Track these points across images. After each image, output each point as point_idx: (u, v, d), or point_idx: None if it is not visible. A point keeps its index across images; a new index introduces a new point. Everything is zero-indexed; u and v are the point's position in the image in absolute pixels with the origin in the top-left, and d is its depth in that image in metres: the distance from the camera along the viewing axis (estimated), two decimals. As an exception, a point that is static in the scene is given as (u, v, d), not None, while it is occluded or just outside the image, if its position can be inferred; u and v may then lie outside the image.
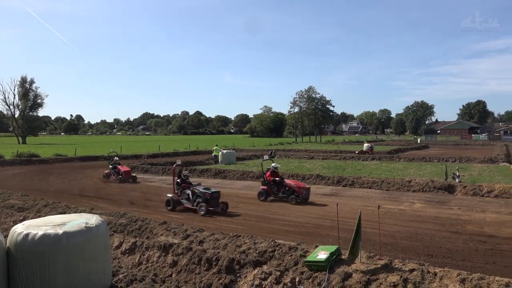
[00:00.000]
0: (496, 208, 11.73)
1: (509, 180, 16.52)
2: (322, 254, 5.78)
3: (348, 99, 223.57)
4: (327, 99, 76.88)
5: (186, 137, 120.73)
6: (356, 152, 35.65)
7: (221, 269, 6.23)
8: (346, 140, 73.95)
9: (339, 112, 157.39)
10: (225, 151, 28.59)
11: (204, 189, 11.98)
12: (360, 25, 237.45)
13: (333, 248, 5.99)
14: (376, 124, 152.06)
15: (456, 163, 25.98)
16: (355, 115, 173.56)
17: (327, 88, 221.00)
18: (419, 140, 70.75)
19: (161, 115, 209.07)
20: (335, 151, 39.55)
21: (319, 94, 77.60)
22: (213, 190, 11.87)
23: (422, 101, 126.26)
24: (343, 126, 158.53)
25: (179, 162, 14.51)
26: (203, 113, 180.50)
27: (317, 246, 6.40)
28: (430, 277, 5.24)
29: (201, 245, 7.00)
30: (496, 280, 4.88)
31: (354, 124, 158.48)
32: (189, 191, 12.24)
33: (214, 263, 6.37)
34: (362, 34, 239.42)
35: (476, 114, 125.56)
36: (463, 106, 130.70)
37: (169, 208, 12.21)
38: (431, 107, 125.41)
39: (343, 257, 5.95)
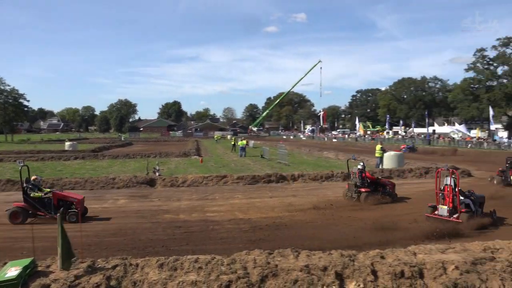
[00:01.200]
0: (188, 196, 13.66)
1: (199, 171, 19.69)
2: (12, 271, 5.02)
3: (47, 94, 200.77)
4: (20, 92, 66.37)
5: None
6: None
7: None
8: (45, 139, 66.36)
9: (36, 108, 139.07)
10: None
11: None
12: (55, 13, 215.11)
13: (27, 261, 5.32)
14: (79, 121, 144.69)
15: (156, 158, 28.30)
16: (55, 112, 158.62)
17: (21, 81, 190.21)
18: (123, 137, 72.61)
19: None
20: (31, 151, 34.77)
21: (9, 86, 65.95)
22: None
23: (126, 99, 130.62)
24: (41, 123, 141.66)
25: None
26: None
27: (6, 263, 5.47)
28: (133, 269, 5.48)
29: None
30: (188, 259, 5.68)
31: (54, 121, 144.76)
32: None
33: None
34: (59, 24, 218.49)
35: (173, 113, 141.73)
36: (162, 105, 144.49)
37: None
38: (135, 105, 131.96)
39: (40, 268, 5.36)
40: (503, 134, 56.22)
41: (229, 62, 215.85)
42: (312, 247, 6.85)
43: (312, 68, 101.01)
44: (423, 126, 69.42)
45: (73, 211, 9.89)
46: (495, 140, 47.17)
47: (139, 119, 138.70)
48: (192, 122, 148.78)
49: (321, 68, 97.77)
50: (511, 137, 51.18)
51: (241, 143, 32.66)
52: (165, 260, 5.64)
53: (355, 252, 6.05)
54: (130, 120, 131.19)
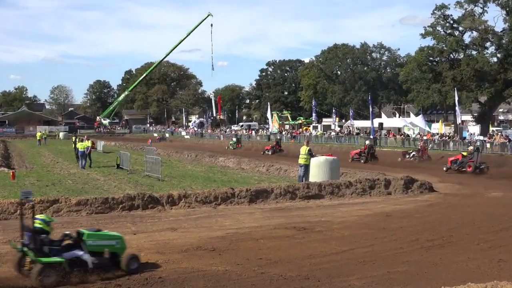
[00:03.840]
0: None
1: (8, 193, 18.78)
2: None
3: None
4: None
5: None
6: None
7: None
8: None
9: None
10: None
11: None
12: None
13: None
14: None
15: None
16: None
17: None
18: None
19: None
20: None
21: None
22: None
23: None
24: None
25: None
26: None
27: None
28: None
29: None
30: None
31: None
32: None
33: None
34: None
35: None
36: None
37: None
38: None
39: None
40: (474, 130, 60.57)
41: (57, 10, 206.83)
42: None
43: (198, 24, 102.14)
44: (366, 118, 74.58)
45: None
46: (464, 138, 51.44)
47: None
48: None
49: (211, 25, 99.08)
50: (485, 134, 53.67)
51: (82, 144, 31.23)
52: None
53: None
54: None
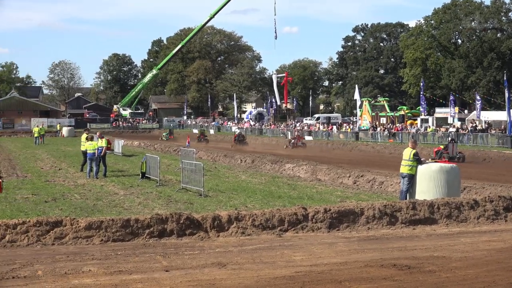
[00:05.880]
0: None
1: None
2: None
3: None
4: None
5: None
6: None
7: None
8: None
9: None
10: None
11: None
12: None
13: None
14: None
15: None
16: None
17: None
18: None
19: None
20: None
21: None
22: None
23: None
24: None
25: None
26: None
27: None
28: None
29: None
30: None
31: None
32: None
33: None
34: None
35: None
36: None
37: None
38: None
39: None
40: None
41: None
42: None
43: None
44: (500, 108, 72.52)
45: None
46: None
47: None
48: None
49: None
50: None
51: (92, 144, 31.81)
52: None
53: None
54: None
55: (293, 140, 65.99)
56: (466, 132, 63.61)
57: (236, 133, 76.07)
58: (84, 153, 33.12)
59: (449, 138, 51.08)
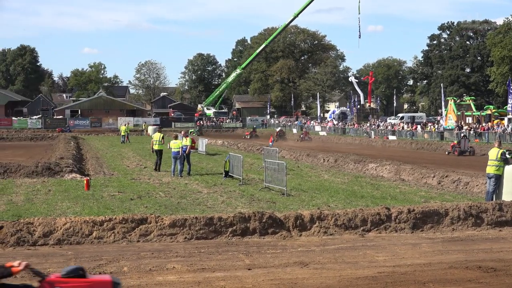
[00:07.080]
0: (56, 265, 13.46)
1: (81, 208, 20.06)
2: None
3: None
4: None
5: None
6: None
7: None
8: None
9: None
10: None
11: None
12: None
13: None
14: None
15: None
16: None
17: None
18: None
19: None
20: None
21: None
22: None
23: None
24: None
25: None
26: None
27: None
28: None
29: None
30: None
31: None
32: None
33: None
34: None
35: (18, 74, 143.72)
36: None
37: None
38: None
39: None
40: None
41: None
42: None
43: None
44: None
45: None
46: None
47: None
48: (64, 95, 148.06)
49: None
50: None
51: (175, 144, 32.16)
52: None
53: None
54: None
55: (302, 135, 79.43)
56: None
57: (277, 129, 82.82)
58: (157, 152, 34.10)
59: (462, 134, 59.17)
